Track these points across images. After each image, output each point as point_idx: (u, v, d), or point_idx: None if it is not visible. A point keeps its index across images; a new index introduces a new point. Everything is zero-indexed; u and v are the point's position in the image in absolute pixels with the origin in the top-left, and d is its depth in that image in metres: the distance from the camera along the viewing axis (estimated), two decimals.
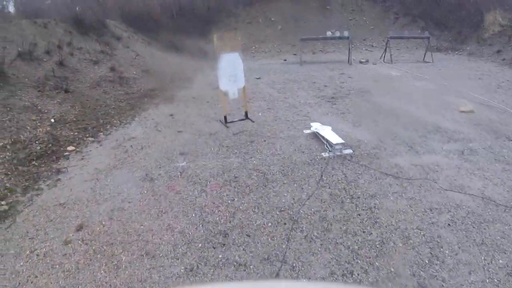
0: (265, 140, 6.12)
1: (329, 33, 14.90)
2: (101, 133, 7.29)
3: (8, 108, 7.29)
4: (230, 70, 6.74)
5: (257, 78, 11.37)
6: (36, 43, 9.46)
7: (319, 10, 20.96)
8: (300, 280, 3.01)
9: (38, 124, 7.17)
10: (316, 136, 6.05)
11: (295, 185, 4.62)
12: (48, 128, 7.12)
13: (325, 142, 5.65)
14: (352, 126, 6.60)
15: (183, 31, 17.49)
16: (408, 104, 7.84)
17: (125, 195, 4.71)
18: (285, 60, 15.96)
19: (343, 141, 5.44)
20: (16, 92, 7.77)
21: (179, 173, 5.22)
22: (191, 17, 18.76)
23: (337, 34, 14.78)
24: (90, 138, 7.05)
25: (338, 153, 5.37)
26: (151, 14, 16.70)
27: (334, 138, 5.53)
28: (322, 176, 4.78)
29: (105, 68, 10.34)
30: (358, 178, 4.74)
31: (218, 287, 1.32)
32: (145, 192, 4.76)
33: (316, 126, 6.23)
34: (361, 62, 14.19)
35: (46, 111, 7.61)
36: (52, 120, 7.40)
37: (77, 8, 12.59)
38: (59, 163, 6.07)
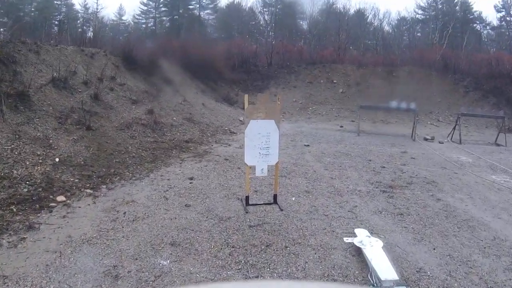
0: (287, 247, 4.33)
1: (393, 103, 13.11)
2: (104, 186, 6.01)
3: (17, 136, 6.31)
4: (261, 142, 5.16)
5: (306, 145, 9.67)
6: (76, 71, 8.64)
7: (384, 76, 19.23)
8: (300, 280, 2.75)
9: (40, 161, 6.08)
10: (359, 252, 4.15)
11: None
12: (48, 168, 5.98)
13: (370, 270, 3.75)
14: (411, 240, 4.63)
15: (241, 84, 16.62)
16: (486, 211, 5.66)
17: None
18: (342, 126, 14.20)
19: (396, 278, 3.50)
20: (33, 119, 6.80)
21: (152, 279, 3.59)
22: (252, 71, 17.90)
23: (403, 105, 12.92)
24: (88, 190, 5.79)
25: None
26: (213, 62, 15.98)
27: (384, 269, 3.63)
28: None
29: (143, 109, 9.30)
30: None
31: (218, 287, 1.30)
32: None
33: (361, 236, 4.36)
34: (426, 139, 12.01)
35: (56, 147, 6.53)
36: (57, 160, 6.27)
37: (130, 42, 11.84)
38: (38, 215, 4.85)
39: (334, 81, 19.31)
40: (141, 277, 3.64)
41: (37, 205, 5.09)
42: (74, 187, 5.75)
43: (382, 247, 4.05)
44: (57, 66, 8.16)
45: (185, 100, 11.80)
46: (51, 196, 5.40)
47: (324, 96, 18.47)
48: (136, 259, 3.96)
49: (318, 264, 3.98)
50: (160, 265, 3.87)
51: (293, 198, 5.83)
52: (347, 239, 4.44)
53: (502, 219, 5.38)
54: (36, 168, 5.90)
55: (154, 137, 8.41)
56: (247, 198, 5.36)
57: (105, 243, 4.26)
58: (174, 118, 10.14)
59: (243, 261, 3.97)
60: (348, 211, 5.42)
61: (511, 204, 5.97)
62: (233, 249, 4.21)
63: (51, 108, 7.31)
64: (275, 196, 5.53)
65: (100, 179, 6.15)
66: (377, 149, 9.64)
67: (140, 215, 5.01)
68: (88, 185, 5.90)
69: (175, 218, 4.94)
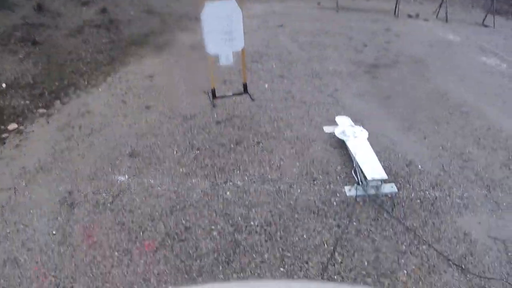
0: (259, 143, 3.83)
1: None
2: (58, 101, 5.26)
3: None
4: (222, 26, 4.27)
5: (279, 26, 8.53)
6: None
7: None
8: (300, 279, 2.30)
9: None
10: (341, 144, 3.66)
11: (281, 269, 2.41)
12: None
13: (354, 166, 3.29)
14: (400, 128, 4.11)
15: None
16: (481, 96, 4.98)
17: (28, 234, 2.92)
18: (319, 3, 12.69)
19: (385, 176, 3.03)
20: None
21: (109, 201, 3.16)
22: None
23: None
24: (41, 110, 5.09)
25: (372, 192, 3.04)
26: None
27: (371, 164, 3.16)
28: (334, 251, 2.52)
29: (95, 10, 8.00)
30: (400, 259, 2.46)
31: (218, 287, 1.20)
32: (52, 234, 2.90)
33: (343, 125, 3.82)
34: (409, 16, 10.69)
35: (1, 72, 5.61)
36: (3, 85, 5.46)
37: None
38: None
39: None
40: (98, 200, 3.21)
41: None
42: (26, 110, 5.04)
43: (367, 137, 3.53)
44: None
45: None
46: (2, 127, 4.74)
47: None
48: (93, 179, 3.48)
49: (294, 162, 3.52)
50: (118, 182, 3.40)
51: (266, 85, 5.15)
52: (328, 129, 3.92)
53: (496, 106, 4.72)
54: None
55: (110, 37, 7.33)
56: (213, 91, 4.70)
57: (60, 166, 3.74)
58: (132, 13, 8.81)
59: (209, 165, 3.50)
60: (328, 95, 4.81)
61: (504, 90, 5.22)
62: (198, 151, 3.72)
63: None
64: (244, 86, 4.84)
65: (53, 94, 5.39)
66: (358, 26, 8.52)
67: (97, 127, 4.41)
68: (40, 104, 5.16)
69: (134, 124, 4.35)
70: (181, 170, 3.46)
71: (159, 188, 3.27)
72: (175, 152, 3.73)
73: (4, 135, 4.52)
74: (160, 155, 3.71)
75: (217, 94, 4.77)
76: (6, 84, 5.42)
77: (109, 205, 3.15)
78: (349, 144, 3.45)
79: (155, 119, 4.41)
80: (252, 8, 11.20)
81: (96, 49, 6.77)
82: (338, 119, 3.98)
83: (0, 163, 3.95)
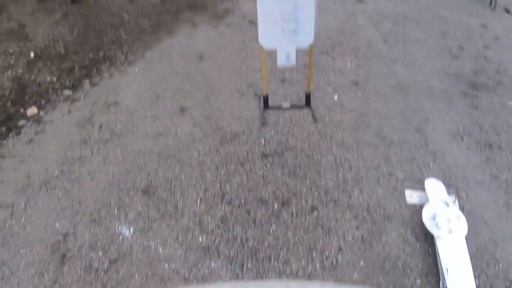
0: (314, 209, 2.71)
1: None
2: (88, 81, 4.44)
3: None
4: (285, 9, 2.95)
5: (359, 1, 6.76)
6: None
7: None
8: (300, 280, 2.13)
9: (12, 62, 4.62)
10: (426, 232, 2.44)
11: None
12: (21, 70, 4.50)
13: (442, 285, 2.13)
14: (505, 209, 2.78)
15: None
16: None
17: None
18: None
19: None
20: (8, 7, 5.00)
21: (104, 267, 2.39)
22: None
23: None
24: (66, 92, 4.35)
25: None
26: None
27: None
28: None
29: None
30: None
31: (218, 287, 1.19)
32: None
33: (434, 198, 2.62)
34: (507, 11, 8.08)
35: (32, 37, 4.93)
36: (32, 55, 4.71)
37: None
38: (4, 141, 3.60)
39: None
40: (92, 260, 2.44)
41: (4, 128, 3.78)
42: (51, 90, 4.28)
43: (465, 237, 2.29)
44: None
45: None
46: (21, 110, 4.03)
47: None
48: (94, 220, 2.73)
49: (358, 257, 2.42)
50: (120, 237, 2.56)
51: (336, 97, 3.84)
52: (411, 197, 2.68)
53: None
54: (6, 73, 4.41)
55: None
56: (265, 98, 3.53)
57: (65, 187, 3.01)
58: None
59: (239, 239, 2.54)
60: (416, 130, 3.44)
61: None
62: (229, 208, 2.71)
63: None
64: (307, 96, 3.60)
65: (84, 70, 4.54)
66: (451, 17, 6.47)
67: (119, 129, 3.57)
68: (68, 83, 4.36)
69: (161, 135, 3.43)
70: (200, 239, 2.50)
71: (166, 265, 2.36)
72: (198, 201, 2.76)
73: (21, 122, 3.84)
74: (180, 202, 2.78)
75: (270, 103, 3.60)
76: (34, 54, 4.62)
77: (102, 274, 2.35)
78: (440, 246, 2.26)
79: (187, 133, 3.41)
80: None
81: (143, 11, 5.70)
82: (428, 184, 2.70)
83: (9, 163, 3.32)
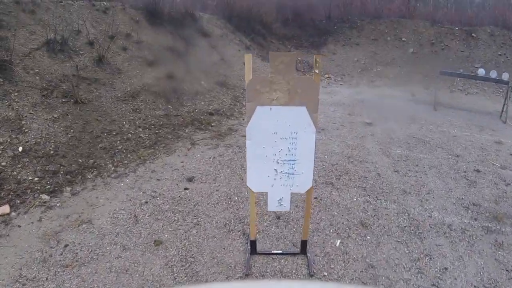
0: None
1: (481, 71, 9.64)
2: (69, 188, 4.11)
3: None
4: (280, 149, 2.69)
5: (368, 124, 6.90)
6: (80, 30, 6.59)
7: (463, 37, 15.02)
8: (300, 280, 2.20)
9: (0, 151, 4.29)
10: None
11: None
12: (4, 163, 4.19)
13: None
14: None
15: (295, 39, 13.67)
16: None
17: None
18: (414, 95, 10.96)
19: None
20: (10, 94, 4.99)
21: None
22: (307, 26, 14.63)
23: (494, 75, 9.50)
24: (44, 196, 3.98)
25: None
26: (262, 16, 12.98)
27: None
28: None
29: (161, 72, 7.10)
30: None
31: (218, 287, 1.16)
32: None
33: None
34: None
35: (27, 130, 4.70)
36: (20, 149, 4.44)
37: None
38: None
39: (403, 39, 15.49)
40: None
41: None
42: (29, 191, 3.94)
43: None
44: (56, 26, 6.13)
45: (223, 59, 9.36)
46: None
47: (391, 56, 14.86)
48: None
49: None
50: None
51: (338, 242, 3.35)
52: None
53: None
54: None
55: (167, 109, 6.27)
56: (252, 244, 3.08)
57: None
58: (203, 82, 7.85)
59: None
60: (432, 284, 2.96)
61: None
62: None
63: (37, 78, 5.42)
64: (303, 244, 3.13)
65: (68, 176, 4.26)
66: (463, 135, 6.59)
67: (82, 256, 3.07)
68: (48, 187, 4.04)
69: (126, 272, 2.87)
70: None
71: None
72: None
73: None
74: None
75: (260, 246, 3.16)
76: (23, 148, 4.38)
77: None
78: None
79: (155, 275, 2.86)
80: (336, 93, 9.74)
81: (145, 122, 5.69)
82: None
83: None
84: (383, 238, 3.43)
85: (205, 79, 8.08)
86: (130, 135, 5.27)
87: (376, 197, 4.16)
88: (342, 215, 3.75)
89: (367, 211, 3.85)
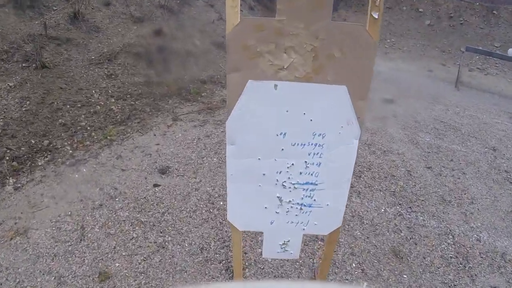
0: None
1: (511, 51, 8.56)
2: (13, 180, 3.25)
3: None
4: (288, 159, 1.47)
5: (388, 101, 5.77)
6: None
7: (483, 13, 13.49)
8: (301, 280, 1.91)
9: None
10: None
11: None
12: None
13: None
14: None
15: None
16: None
17: None
18: (431, 71, 9.74)
19: None
20: None
21: None
22: None
23: None
24: None
25: None
26: None
27: None
28: None
29: (148, 30, 5.94)
30: None
31: (218, 287, 1.05)
32: None
33: None
34: None
35: None
36: None
37: None
38: None
39: (420, 10, 13.97)
40: None
41: None
42: None
43: None
44: None
45: (221, 19, 8.05)
46: None
47: (406, 27, 13.45)
48: None
49: None
50: None
51: (365, 285, 2.34)
52: None
53: None
54: None
55: (148, 75, 5.20)
56: None
57: None
58: (197, 41, 6.67)
59: None
60: None
61: None
62: None
63: None
64: None
65: (15, 163, 3.36)
66: (494, 123, 5.49)
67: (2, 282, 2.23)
68: None
69: None
70: None
71: None
72: None
73: None
74: None
75: None
76: None
77: None
78: None
79: None
80: None
81: (119, 91, 4.68)
82: None
83: None
84: (424, 277, 2.51)
85: (200, 38, 6.87)
86: (98, 107, 4.28)
87: (410, 207, 3.22)
88: (368, 237, 2.81)
89: (401, 231, 2.92)
